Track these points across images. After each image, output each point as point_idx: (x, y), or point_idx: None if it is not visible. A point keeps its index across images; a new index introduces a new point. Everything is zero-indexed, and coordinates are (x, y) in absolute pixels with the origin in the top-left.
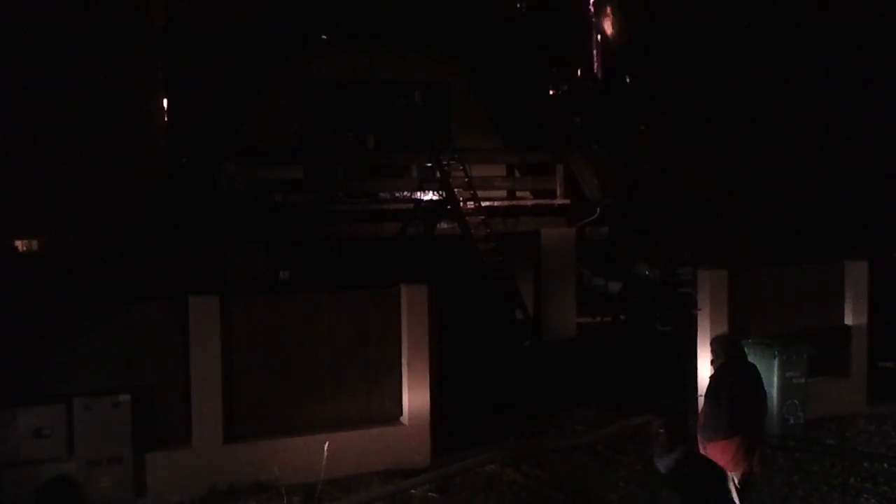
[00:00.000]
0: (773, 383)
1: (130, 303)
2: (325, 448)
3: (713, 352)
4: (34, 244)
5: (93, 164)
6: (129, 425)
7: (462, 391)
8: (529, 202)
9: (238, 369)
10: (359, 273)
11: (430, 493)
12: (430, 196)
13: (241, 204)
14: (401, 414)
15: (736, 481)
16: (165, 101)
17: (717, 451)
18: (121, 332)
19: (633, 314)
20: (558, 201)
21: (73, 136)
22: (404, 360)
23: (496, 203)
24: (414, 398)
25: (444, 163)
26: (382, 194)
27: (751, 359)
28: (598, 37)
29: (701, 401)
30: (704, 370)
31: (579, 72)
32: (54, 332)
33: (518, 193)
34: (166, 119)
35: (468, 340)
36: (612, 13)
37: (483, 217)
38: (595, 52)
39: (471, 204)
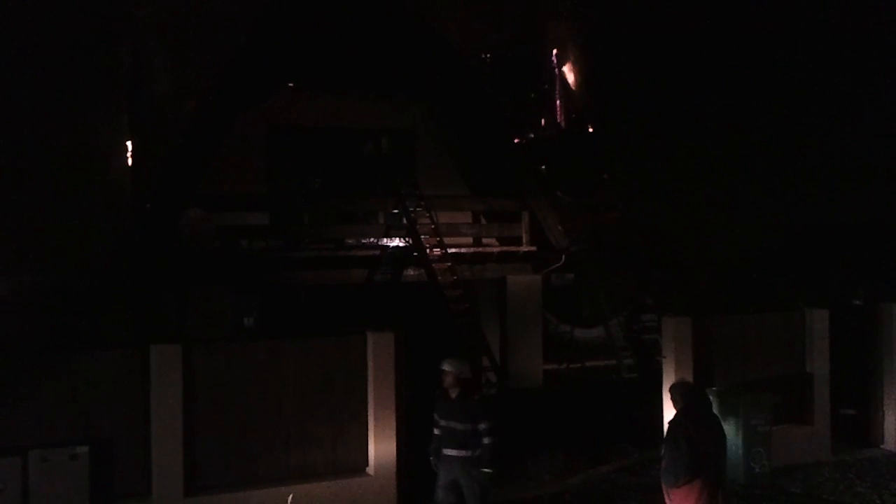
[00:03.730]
0: (737, 431)
1: (90, 351)
2: (290, 501)
3: (672, 399)
4: None
5: (53, 207)
6: (87, 479)
7: (428, 440)
8: (496, 249)
9: (200, 419)
10: (325, 320)
11: None
12: (396, 243)
13: (206, 250)
14: (367, 464)
15: None
16: (129, 146)
17: (680, 496)
18: (79, 382)
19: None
20: (524, 248)
21: (33, 178)
22: (370, 409)
23: (462, 250)
24: (380, 448)
25: (411, 209)
26: (349, 241)
27: (715, 406)
28: (562, 87)
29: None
30: (669, 417)
31: (543, 121)
32: (9, 381)
33: (484, 240)
34: (130, 164)
35: (434, 388)
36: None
37: (449, 264)
38: (558, 101)
39: (437, 251)
